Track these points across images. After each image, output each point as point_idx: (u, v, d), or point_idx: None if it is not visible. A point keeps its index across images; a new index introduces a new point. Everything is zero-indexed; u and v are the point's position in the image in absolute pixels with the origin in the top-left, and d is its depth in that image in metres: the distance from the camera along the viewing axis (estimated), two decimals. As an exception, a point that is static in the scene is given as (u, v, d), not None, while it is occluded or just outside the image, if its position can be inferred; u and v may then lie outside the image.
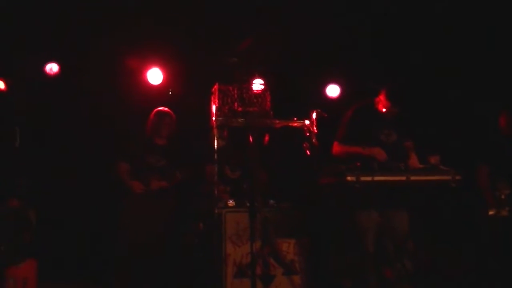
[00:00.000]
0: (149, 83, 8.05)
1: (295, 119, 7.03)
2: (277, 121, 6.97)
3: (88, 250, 7.57)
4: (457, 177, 6.07)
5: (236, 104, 6.91)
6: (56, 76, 7.90)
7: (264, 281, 6.62)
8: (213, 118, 6.90)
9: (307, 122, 7.00)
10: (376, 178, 5.93)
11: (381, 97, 6.31)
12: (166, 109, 7.29)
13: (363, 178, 5.89)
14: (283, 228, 6.70)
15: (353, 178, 5.89)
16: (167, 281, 7.02)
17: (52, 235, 7.41)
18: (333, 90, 8.48)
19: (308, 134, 6.97)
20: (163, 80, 8.06)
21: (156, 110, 7.27)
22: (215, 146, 6.83)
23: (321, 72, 8.30)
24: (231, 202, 6.79)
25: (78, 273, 7.45)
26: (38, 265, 6.70)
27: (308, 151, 6.86)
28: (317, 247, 6.80)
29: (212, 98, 7.05)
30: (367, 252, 6.20)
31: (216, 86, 6.98)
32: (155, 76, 8.03)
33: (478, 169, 6.71)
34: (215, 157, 6.81)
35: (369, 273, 6.22)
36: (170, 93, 8.12)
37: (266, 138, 7.10)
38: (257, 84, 7.11)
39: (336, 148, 6.38)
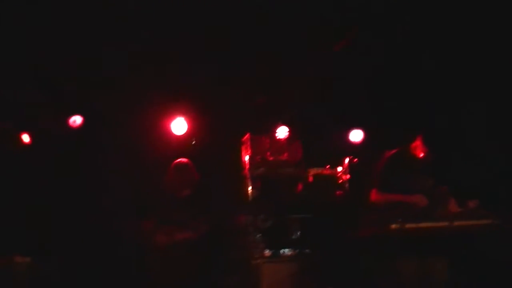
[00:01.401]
0: (173, 133, 7.82)
1: (328, 166, 6.84)
2: (311, 170, 6.83)
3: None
4: (497, 221, 5.89)
5: (268, 153, 6.70)
6: (79, 129, 7.68)
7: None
8: (246, 168, 6.71)
9: (339, 169, 6.82)
10: (421, 225, 5.71)
11: (418, 143, 6.15)
12: (184, 160, 7.01)
13: (408, 226, 5.67)
14: (318, 277, 6.57)
15: (397, 226, 5.68)
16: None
17: None
18: (356, 135, 8.29)
19: (341, 181, 6.78)
20: (187, 130, 7.82)
21: (174, 163, 6.99)
22: (249, 196, 6.63)
23: (344, 117, 8.08)
24: (267, 252, 6.62)
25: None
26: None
27: (342, 199, 6.65)
28: None
29: (243, 148, 6.92)
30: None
31: (247, 136, 6.83)
32: (179, 126, 7.80)
33: None
34: (249, 207, 6.65)
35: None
36: (193, 143, 7.88)
37: (300, 187, 6.89)
38: (283, 132, 6.91)
39: (376, 196, 6.16)
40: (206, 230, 6.85)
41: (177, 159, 7.12)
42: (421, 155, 6.20)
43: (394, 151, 6.33)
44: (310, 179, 6.69)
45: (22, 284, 6.10)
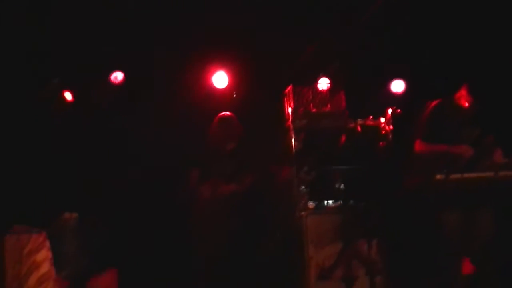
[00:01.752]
0: (215, 87, 7.83)
1: (371, 117, 6.84)
2: (353, 121, 6.82)
3: (166, 257, 7.35)
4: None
5: (311, 105, 6.74)
6: (120, 85, 7.69)
7: (347, 283, 6.53)
8: (289, 121, 6.74)
9: (382, 120, 6.79)
10: (466, 176, 5.67)
11: (463, 92, 6.04)
12: (227, 114, 6.96)
13: (453, 177, 5.64)
14: (363, 228, 6.54)
15: (442, 177, 5.65)
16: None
17: (126, 242, 7.17)
18: (398, 86, 8.14)
19: (384, 132, 6.75)
20: (229, 83, 7.82)
21: (218, 116, 6.95)
22: (293, 149, 6.67)
23: (385, 67, 7.94)
24: (311, 204, 6.65)
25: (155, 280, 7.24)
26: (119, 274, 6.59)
27: (385, 150, 6.67)
28: (398, 247, 6.64)
29: (286, 100, 6.90)
30: (452, 251, 5.98)
31: (290, 88, 6.80)
32: (220, 79, 7.76)
33: None
34: (293, 159, 6.68)
35: (453, 273, 6.02)
36: (234, 96, 7.86)
37: (343, 138, 6.90)
38: (325, 84, 6.92)
39: (420, 146, 6.07)
40: (250, 183, 6.83)
41: (220, 112, 7.08)
42: (466, 105, 6.08)
43: (438, 101, 6.23)
44: (359, 129, 6.59)
45: (71, 239, 6.17)
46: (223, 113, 6.97)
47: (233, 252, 6.68)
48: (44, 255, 4.80)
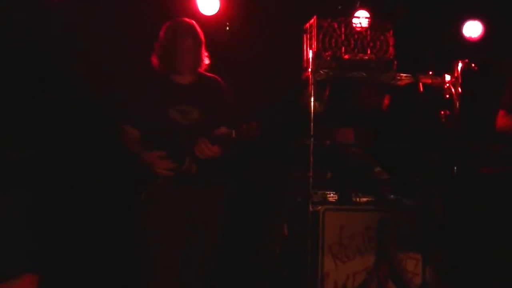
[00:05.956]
0: (201, 12, 7.64)
1: (431, 73, 6.57)
2: (404, 76, 6.50)
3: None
4: None
5: (343, 49, 6.42)
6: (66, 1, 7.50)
7: (378, 315, 6.48)
8: (310, 70, 6.38)
9: (448, 78, 6.51)
10: None
11: None
12: (186, 21, 6.22)
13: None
14: (408, 236, 6.36)
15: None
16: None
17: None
18: (472, 29, 8.12)
19: (449, 96, 6.48)
20: (220, 9, 7.71)
21: (167, 24, 6.20)
22: (312, 111, 6.33)
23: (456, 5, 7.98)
24: (332, 196, 6.41)
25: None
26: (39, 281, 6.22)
27: (448, 122, 6.46)
28: (463, 266, 6.44)
29: (305, 38, 6.60)
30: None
31: (313, 21, 6.47)
32: (208, 3, 7.68)
33: None
34: (311, 127, 6.33)
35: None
36: (227, 28, 7.78)
37: (386, 100, 6.88)
38: (363, 20, 6.67)
39: (505, 120, 6.06)
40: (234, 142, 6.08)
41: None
42: None
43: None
44: (421, 88, 6.42)
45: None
46: (177, 20, 6.28)
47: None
48: None
